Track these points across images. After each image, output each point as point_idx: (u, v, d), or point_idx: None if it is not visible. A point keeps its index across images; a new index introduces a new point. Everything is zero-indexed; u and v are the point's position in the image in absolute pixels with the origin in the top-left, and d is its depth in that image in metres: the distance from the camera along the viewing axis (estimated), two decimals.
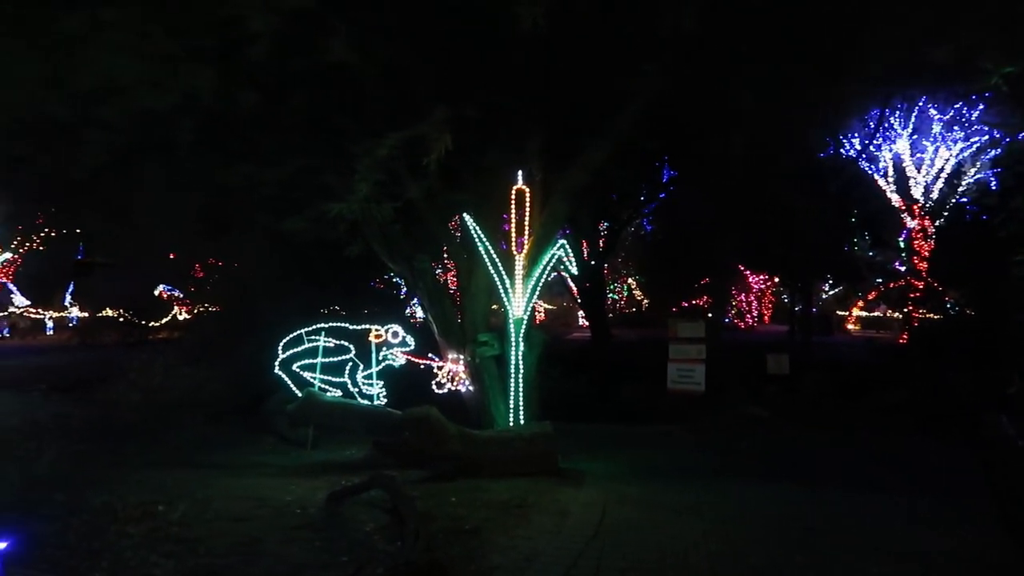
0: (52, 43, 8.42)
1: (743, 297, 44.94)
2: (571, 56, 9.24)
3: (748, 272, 39.35)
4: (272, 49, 8.23)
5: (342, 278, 16.11)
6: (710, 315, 28.31)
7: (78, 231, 31.39)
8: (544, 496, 7.80)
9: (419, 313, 23.38)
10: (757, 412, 13.44)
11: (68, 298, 37.04)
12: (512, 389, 9.32)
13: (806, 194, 19.05)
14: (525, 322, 9.33)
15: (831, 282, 39.19)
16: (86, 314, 32.23)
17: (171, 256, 30.98)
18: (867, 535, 6.77)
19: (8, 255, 17.93)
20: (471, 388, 10.08)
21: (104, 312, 31.50)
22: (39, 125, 10.73)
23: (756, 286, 44.83)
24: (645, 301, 47.51)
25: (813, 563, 5.98)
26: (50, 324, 35.11)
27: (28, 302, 33.53)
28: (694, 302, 34.69)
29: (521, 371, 9.30)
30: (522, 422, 9.30)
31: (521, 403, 9.32)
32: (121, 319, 30.35)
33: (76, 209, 23.33)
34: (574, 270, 10.31)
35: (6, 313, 33.34)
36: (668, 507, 7.51)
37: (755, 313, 45.71)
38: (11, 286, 33.26)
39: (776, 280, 41.13)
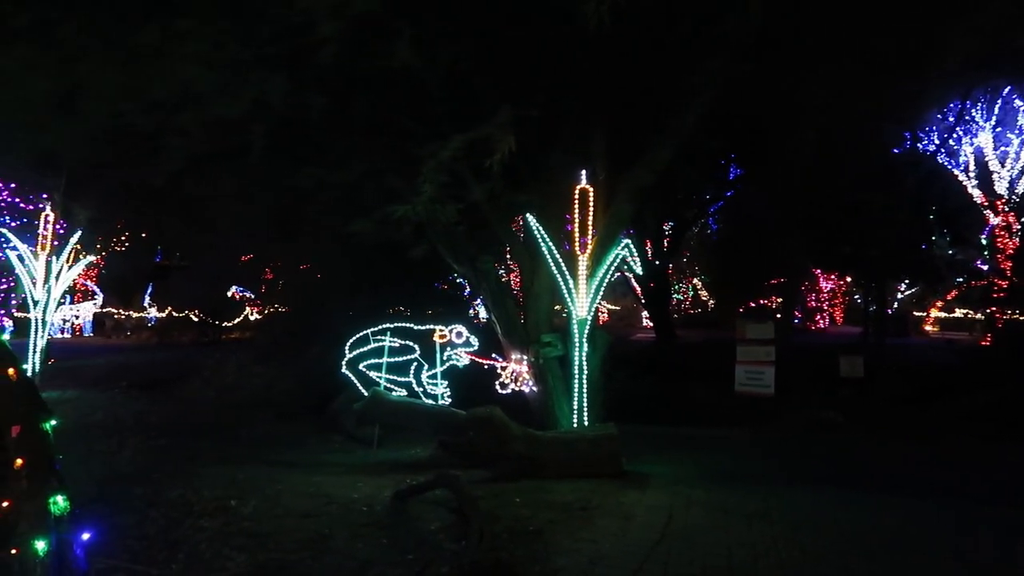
0: (132, 55, 8.76)
1: (813, 297, 43.67)
2: (635, 54, 9.13)
3: (819, 272, 38.20)
4: (339, 54, 8.37)
5: (407, 279, 16.31)
6: (779, 316, 27.58)
7: (157, 235, 32.66)
8: (608, 498, 7.71)
9: (482, 314, 23.51)
10: (830, 416, 13.02)
11: (147, 299, 38.59)
12: (576, 390, 9.26)
13: (881, 191, 18.37)
14: (589, 323, 9.25)
15: (907, 282, 37.70)
16: (164, 314, 33.49)
17: (243, 259, 31.92)
18: (948, 546, 6.48)
19: (92, 258, 18.82)
20: (535, 389, 10.06)
21: (170, 312, 32.71)
22: (120, 134, 11.20)
23: (827, 286, 43.51)
24: (711, 301, 46.65)
25: (890, 574, 5.75)
26: (130, 324, 36.71)
27: (111, 303, 35.08)
28: (762, 303, 33.88)
29: (585, 372, 9.22)
30: (586, 423, 9.22)
31: (585, 404, 9.24)
32: (196, 319, 31.41)
33: (155, 214, 24.29)
34: (639, 270, 10.20)
35: (102, 312, 34.93)
36: (737, 512, 7.32)
37: (826, 314, 44.36)
38: (95, 287, 34.82)
39: (848, 280, 39.81)
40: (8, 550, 3.40)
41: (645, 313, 38.32)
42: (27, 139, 11.36)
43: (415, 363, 10.44)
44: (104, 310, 35.07)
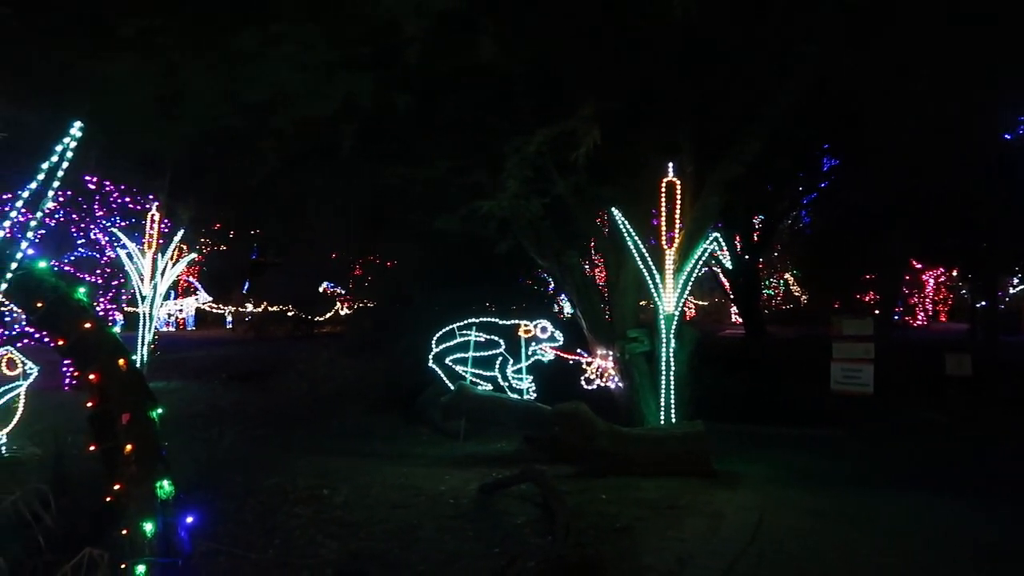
0: (228, 60, 9.12)
1: (915, 293, 41.52)
2: (724, 41, 8.87)
3: (920, 265, 36.26)
4: (424, 52, 8.48)
5: (491, 274, 16.41)
6: (877, 312, 26.35)
7: (254, 233, 34.01)
8: (697, 497, 7.54)
9: (567, 309, 23.44)
10: (934, 417, 12.35)
11: (244, 294, 40.23)
12: (663, 386, 9.09)
13: (991, 180, 17.26)
14: (676, 318, 9.06)
15: (1022, 276, 35.35)
16: (259, 309, 34.82)
17: (333, 255, 32.85)
18: None
19: (193, 255, 19.76)
20: (621, 385, 9.94)
21: (265, 307, 33.93)
22: (218, 136, 11.71)
23: (930, 281, 41.28)
24: (803, 297, 45.01)
25: None
26: (229, 318, 38.41)
27: (211, 298, 36.76)
28: (859, 298, 32.45)
29: (672, 368, 9.04)
30: (673, 420, 9.05)
31: (672, 401, 9.06)
32: (290, 314, 32.53)
33: (250, 212, 25.32)
34: (728, 264, 9.91)
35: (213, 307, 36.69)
36: (832, 516, 7.04)
37: (929, 310, 42.12)
38: (196, 283, 36.56)
39: (954, 274, 37.63)
40: (119, 531, 3.59)
41: (734, 308, 37.35)
42: (135, 143, 12.01)
43: (500, 358, 10.50)
44: (206, 305, 36.78)
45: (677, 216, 9.00)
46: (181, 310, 37.53)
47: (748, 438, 10.86)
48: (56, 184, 3.53)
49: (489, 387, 10.45)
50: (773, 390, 14.28)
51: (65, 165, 3.53)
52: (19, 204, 3.48)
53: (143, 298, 14.76)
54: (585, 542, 6.07)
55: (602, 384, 10.08)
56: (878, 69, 9.73)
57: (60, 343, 3.57)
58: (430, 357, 10.81)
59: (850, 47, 8.80)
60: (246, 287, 39.74)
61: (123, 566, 3.58)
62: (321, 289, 36.09)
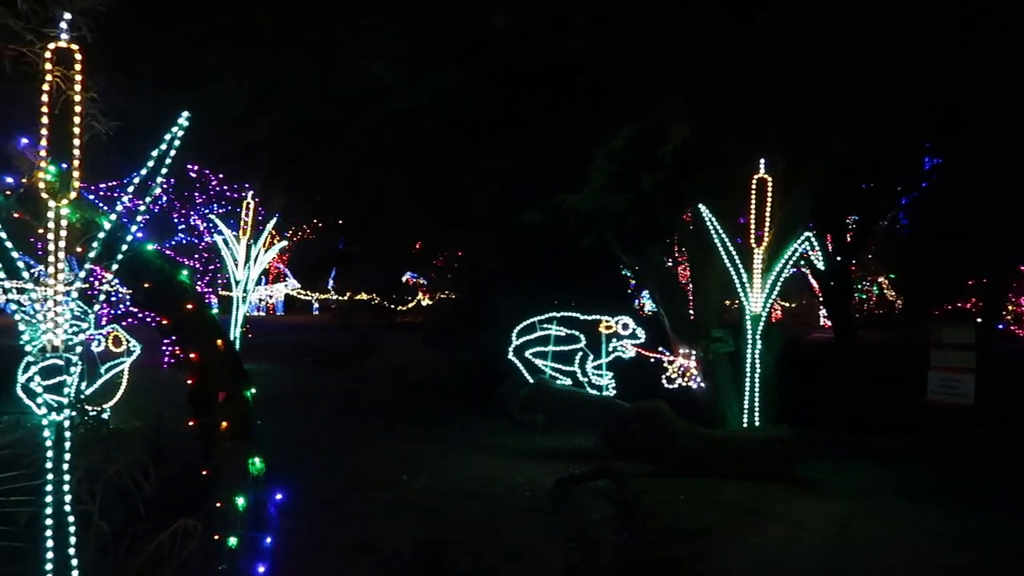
0: (321, 53, 9.39)
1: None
2: (821, 31, 8.52)
3: None
4: (512, 45, 8.50)
5: (572, 269, 16.34)
6: (979, 320, 24.98)
7: (340, 222, 34.97)
8: (779, 504, 7.34)
9: (647, 306, 23.14)
10: None
11: (331, 282, 41.45)
12: (747, 389, 8.86)
13: None
14: (763, 319, 8.81)
15: None
16: (344, 297, 35.79)
17: (416, 246, 33.43)
18: None
19: (284, 243, 20.49)
20: (703, 385, 9.75)
21: (350, 295, 34.83)
22: (309, 128, 12.07)
23: None
24: (898, 301, 43.03)
25: None
26: (316, 305, 39.66)
27: (299, 285, 38.04)
28: (959, 305, 30.80)
29: (758, 370, 8.80)
30: (757, 424, 8.81)
31: (756, 404, 8.82)
32: (373, 303, 33.30)
33: (337, 202, 26.04)
34: (821, 265, 9.53)
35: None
36: (925, 531, 6.70)
37: None
38: (286, 270, 37.87)
39: None
40: (213, 503, 3.75)
41: (822, 311, 36.03)
42: (232, 133, 12.52)
43: (580, 353, 10.46)
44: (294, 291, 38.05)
45: (767, 214, 8.74)
46: (271, 296, 38.95)
47: (834, 446, 10.46)
48: (164, 172, 3.70)
49: (568, 382, 10.43)
50: (863, 397, 13.70)
51: (172, 153, 3.70)
52: (130, 190, 3.67)
53: (237, 283, 15.38)
54: (662, 542, 6.00)
55: (683, 384, 9.91)
56: (989, 57, 9.15)
57: (164, 322, 3.77)
58: (510, 349, 10.87)
59: (960, 29, 8.27)
60: (332, 275, 40.89)
61: (216, 537, 3.75)
62: (404, 279, 36.79)
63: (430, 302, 34.16)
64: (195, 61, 9.10)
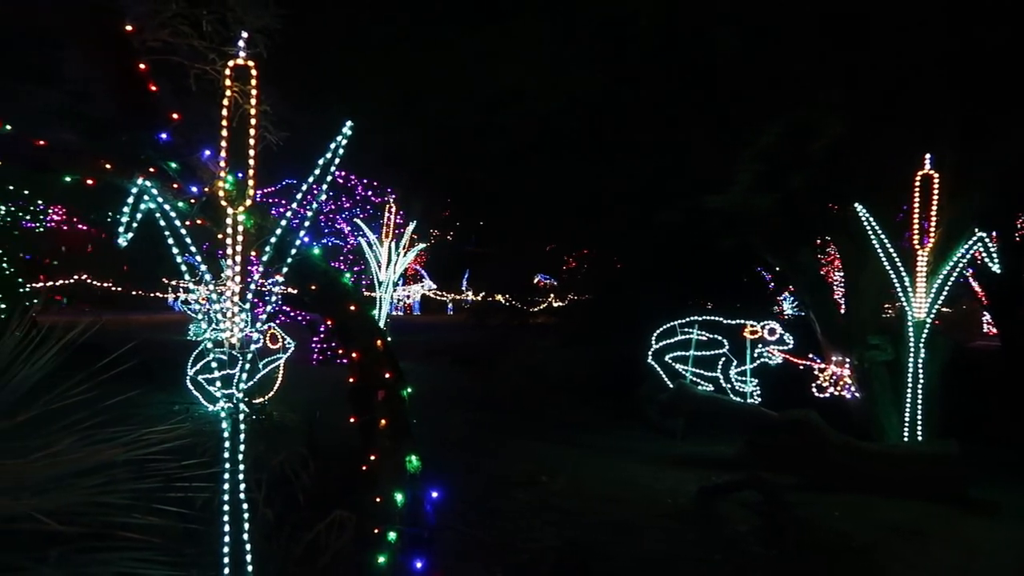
0: (464, 59, 9.59)
1: None
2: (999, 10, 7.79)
3: None
4: (657, 42, 8.34)
5: (707, 271, 15.87)
6: None
7: (479, 224, 35.68)
8: (946, 525, 6.78)
9: (787, 309, 22.10)
10: None
11: (464, 283, 42.44)
12: (907, 400, 8.25)
13: None
14: (928, 325, 8.18)
15: None
16: (478, 298, 36.52)
17: (548, 248, 33.57)
18: None
19: (423, 244, 21.18)
20: (857, 395, 9.18)
21: (483, 296, 35.40)
22: (450, 132, 12.37)
23: None
24: None
25: None
26: (450, 305, 40.73)
27: (435, 286, 39.22)
28: None
29: (920, 380, 8.17)
30: (919, 438, 8.19)
31: (919, 416, 8.20)
32: (506, 304, 33.73)
33: (473, 205, 26.55)
34: (997, 268, 8.71)
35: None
36: None
37: None
38: (422, 271, 39.11)
39: None
40: (372, 498, 3.89)
41: (986, 317, 33.13)
42: (378, 140, 13.02)
43: (723, 358, 10.13)
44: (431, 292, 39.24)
45: (932, 213, 8.09)
46: (409, 296, 40.34)
47: (1006, 464, 9.56)
48: (328, 179, 3.87)
49: (710, 387, 10.13)
50: None
51: (337, 161, 3.87)
52: (298, 196, 3.87)
53: (380, 284, 16.01)
54: (816, 560, 5.69)
55: (836, 393, 9.37)
56: None
57: (329, 323, 3.96)
58: (649, 353, 10.68)
59: None
60: (466, 276, 41.84)
61: (376, 531, 3.88)
62: (535, 280, 37.06)
63: (561, 304, 34.20)
64: (350, 71, 9.55)
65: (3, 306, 10.75)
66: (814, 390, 9.47)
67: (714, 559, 5.75)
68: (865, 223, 8.15)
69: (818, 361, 9.63)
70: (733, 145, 8.82)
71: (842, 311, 10.09)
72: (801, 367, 9.91)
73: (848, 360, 9.19)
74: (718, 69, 8.83)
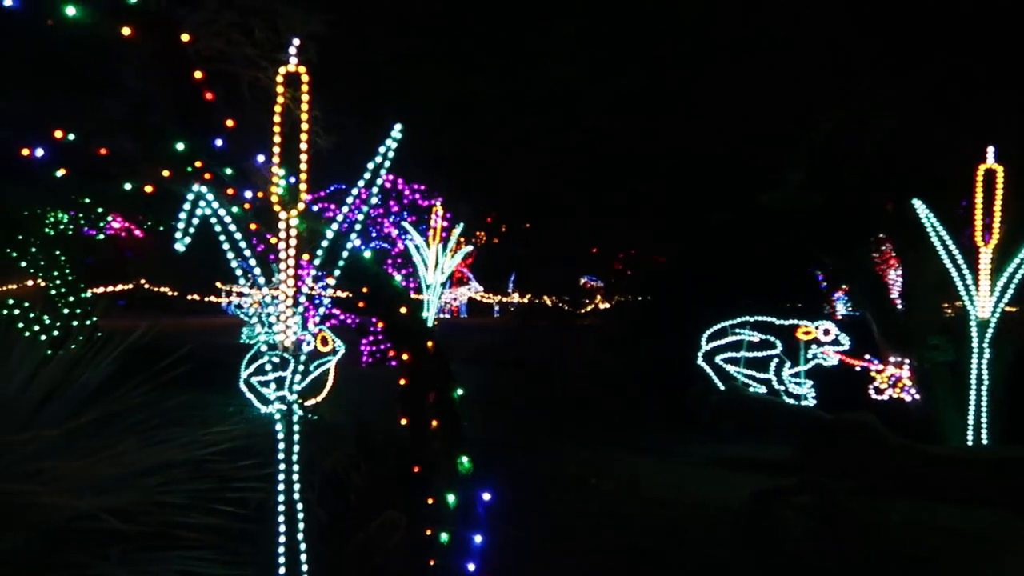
0: (513, 62, 9.62)
1: None
2: None
3: None
4: (705, 33, 8.23)
5: (757, 270, 15.59)
6: None
7: (527, 226, 35.74)
8: (1017, 534, 6.51)
9: (840, 309, 21.60)
10: None
11: (511, 285, 42.49)
12: (970, 402, 7.96)
13: None
14: (993, 325, 7.88)
15: None
16: (525, 300, 36.54)
17: (593, 250, 33.43)
18: None
19: (470, 247, 21.29)
20: (917, 397, 8.90)
21: (530, 298, 35.42)
22: (497, 134, 12.41)
23: None
24: None
25: None
26: (497, 308, 40.81)
27: (481, 288, 39.37)
28: None
29: (985, 382, 7.87)
30: (983, 442, 7.89)
31: (983, 419, 7.90)
32: (552, 305, 33.69)
33: (520, 208, 26.64)
34: None
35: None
36: None
37: None
38: (469, 274, 39.29)
39: None
40: (424, 499, 3.91)
41: None
42: (426, 144, 13.13)
43: (776, 359, 9.92)
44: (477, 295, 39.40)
45: (997, 208, 7.79)
46: (455, 298, 40.56)
47: None
48: (378, 183, 3.90)
49: (763, 390, 9.93)
50: None
51: (387, 165, 3.89)
52: (349, 200, 3.90)
53: (427, 286, 16.12)
54: (877, 567, 5.53)
55: (894, 395, 9.10)
56: None
57: (380, 325, 3.99)
58: (699, 355, 10.53)
59: None
60: (512, 279, 41.89)
61: (428, 532, 3.90)
62: (582, 282, 36.94)
63: (607, 306, 34.02)
64: (399, 77, 9.66)
65: (67, 311, 11.11)
66: (871, 392, 9.22)
67: (769, 565, 5.63)
68: (924, 220, 7.90)
69: (875, 362, 9.37)
70: (783, 141, 8.65)
71: (900, 310, 9.81)
72: (857, 368, 9.66)
73: (907, 361, 8.92)
74: (767, 66, 8.67)
